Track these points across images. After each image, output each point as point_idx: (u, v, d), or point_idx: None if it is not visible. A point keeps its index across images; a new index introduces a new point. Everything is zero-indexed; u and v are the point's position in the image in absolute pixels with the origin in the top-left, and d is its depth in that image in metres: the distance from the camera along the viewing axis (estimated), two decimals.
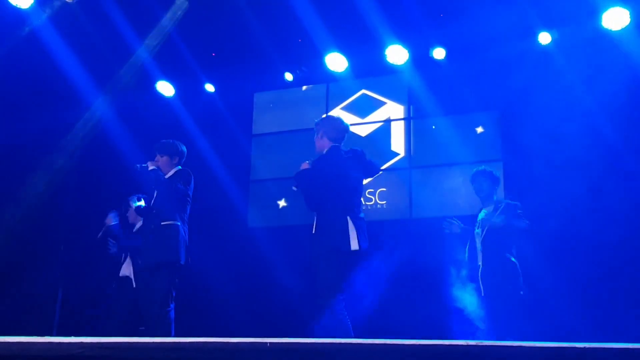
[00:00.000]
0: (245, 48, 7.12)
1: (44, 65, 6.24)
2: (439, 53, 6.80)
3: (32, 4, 5.90)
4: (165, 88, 7.61)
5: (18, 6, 5.88)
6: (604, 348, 2.05)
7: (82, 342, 2.01)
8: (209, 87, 7.69)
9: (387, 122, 7.44)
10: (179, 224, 4.84)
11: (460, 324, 5.55)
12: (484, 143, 6.89)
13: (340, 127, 4.56)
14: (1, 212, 6.48)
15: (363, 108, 7.57)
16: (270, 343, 2.05)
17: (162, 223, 4.81)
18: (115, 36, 6.36)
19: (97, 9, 6.15)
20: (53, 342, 2.03)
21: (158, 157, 5.06)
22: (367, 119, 7.51)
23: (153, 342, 2.10)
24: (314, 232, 4.34)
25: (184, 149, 5.22)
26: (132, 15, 6.33)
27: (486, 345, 2.06)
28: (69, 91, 6.80)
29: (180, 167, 5.14)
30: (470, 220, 6.52)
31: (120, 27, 6.24)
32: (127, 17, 6.30)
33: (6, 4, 5.83)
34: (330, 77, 7.46)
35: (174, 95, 7.70)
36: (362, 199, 4.66)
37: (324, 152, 4.51)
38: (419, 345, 2.11)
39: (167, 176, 5.02)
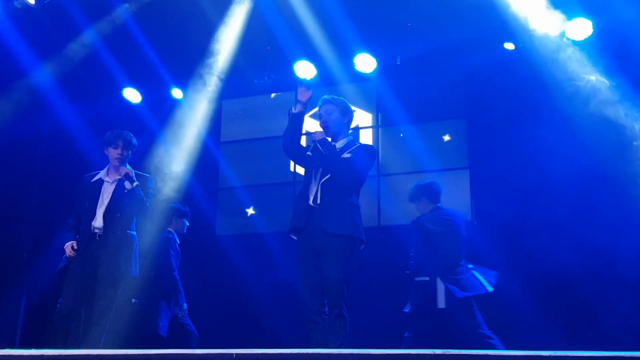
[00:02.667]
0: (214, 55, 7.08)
1: (7, 69, 6.13)
2: (406, 61, 6.85)
3: None
4: (132, 95, 7.53)
5: None
6: (574, 356, 2.07)
7: (42, 355, 1.97)
8: (177, 94, 7.62)
9: (356, 129, 7.46)
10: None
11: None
12: (451, 151, 6.95)
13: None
14: None
15: None
16: (236, 354, 2.03)
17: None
18: (80, 41, 6.28)
19: (60, 11, 6.06)
20: (15, 355, 1.99)
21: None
22: None
23: (114, 355, 2.07)
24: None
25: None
26: (100, 20, 6.26)
27: (453, 355, 2.07)
28: (34, 96, 6.69)
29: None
30: None
31: (85, 31, 6.15)
32: (90, 20, 6.23)
33: None
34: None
35: (141, 101, 7.62)
36: None
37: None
38: (388, 355, 2.11)
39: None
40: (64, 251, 4.49)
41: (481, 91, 6.77)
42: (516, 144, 6.45)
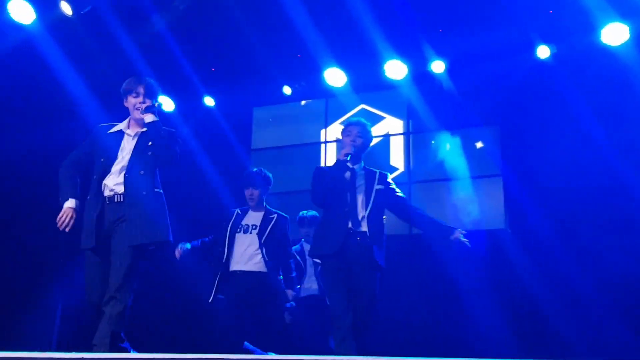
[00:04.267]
0: (245, 63, 7.13)
1: (46, 80, 6.23)
2: (438, 67, 6.81)
3: (34, 20, 5.91)
4: (166, 103, 7.61)
5: (20, 22, 5.88)
6: None
7: (82, 358, 2.00)
8: (209, 102, 7.68)
9: (386, 136, 7.44)
10: None
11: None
12: (484, 158, 6.88)
13: None
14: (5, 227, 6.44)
15: None
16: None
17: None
18: (115, 50, 6.37)
19: (97, 22, 6.15)
20: (53, 358, 2.01)
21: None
22: None
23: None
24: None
25: None
26: (132, 28, 6.33)
27: None
28: (70, 105, 6.79)
29: None
30: (468, 236, 6.53)
31: (121, 40, 6.23)
32: (126, 30, 6.30)
33: (9, 21, 5.83)
34: (329, 92, 7.47)
35: (174, 110, 7.68)
36: None
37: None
38: None
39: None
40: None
41: (515, 97, 6.69)
42: (550, 151, 6.37)
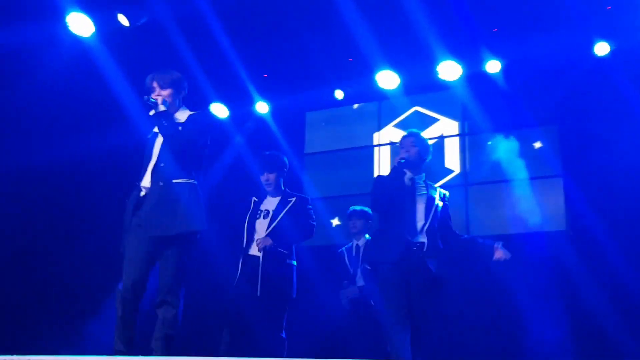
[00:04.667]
0: (297, 68, 7.15)
1: (103, 91, 6.37)
2: (493, 67, 6.69)
3: (92, 33, 6.05)
4: (220, 110, 7.68)
5: (79, 35, 6.03)
6: None
7: None
8: (262, 107, 7.72)
9: (441, 138, 7.35)
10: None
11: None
12: (543, 159, 6.72)
13: None
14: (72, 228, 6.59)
15: (415, 125, 7.42)
16: None
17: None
18: (170, 60, 6.46)
19: (154, 32, 6.26)
20: None
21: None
22: None
23: None
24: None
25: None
26: (186, 38, 6.41)
27: None
28: (124, 115, 6.92)
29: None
30: (527, 238, 6.40)
31: (175, 50, 6.32)
32: (181, 40, 6.39)
33: (68, 33, 5.99)
34: (381, 95, 7.42)
35: (228, 117, 7.75)
36: None
37: None
38: None
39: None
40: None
41: (573, 95, 6.52)
42: (611, 149, 6.17)
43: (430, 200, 4.32)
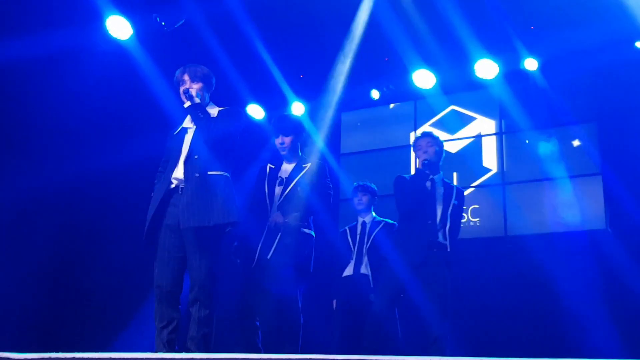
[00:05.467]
0: (333, 68, 7.16)
1: (141, 93, 6.46)
2: (531, 64, 6.62)
3: (131, 35, 6.16)
4: (256, 111, 7.74)
5: (118, 38, 6.14)
6: None
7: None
8: (297, 108, 7.74)
9: (478, 137, 7.29)
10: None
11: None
12: (582, 156, 6.62)
13: None
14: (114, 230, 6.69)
15: (452, 124, 7.46)
16: None
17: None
18: (206, 61, 6.53)
19: (189, 34, 6.35)
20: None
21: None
22: (457, 135, 7.39)
23: None
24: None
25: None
26: (222, 39, 6.48)
27: None
28: (164, 117, 7.01)
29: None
30: (567, 237, 6.31)
31: (213, 51, 6.39)
32: (217, 41, 6.46)
33: (107, 37, 6.10)
34: (418, 94, 7.40)
35: (264, 117, 7.80)
36: None
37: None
38: None
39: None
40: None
41: (613, 92, 6.41)
42: None
43: (446, 202, 4.42)
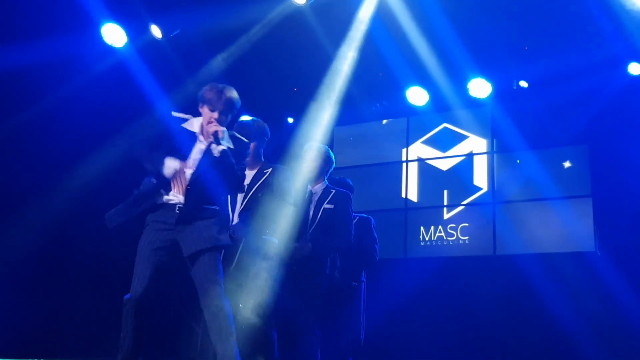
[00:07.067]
0: (326, 82, 7.17)
1: (135, 100, 6.46)
2: (523, 85, 6.67)
3: (125, 43, 6.16)
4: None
5: (112, 45, 6.15)
6: None
7: None
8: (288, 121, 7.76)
9: (470, 155, 7.31)
10: None
11: None
12: (572, 178, 6.65)
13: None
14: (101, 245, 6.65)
15: (444, 142, 7.48)
16: None
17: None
18: (201, 71, 6.55)
19: (185, 44, 6.36)
20: None
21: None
22: (448, 153, 7.41)
23: None
24: None
25: None
26: (218, 50, 6.49)
27: None
28: (158, 124, 6.99)
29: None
30: (555, 258, 6.33)
31: (207, 61, 6.40)
32: (212, 52, 6.47)
33: (102, 44, 6.11)
34: (411, 111, 7.42)
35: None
36: None
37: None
38: None
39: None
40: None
41: (604, 115, 6.46)
42: None
43: None
